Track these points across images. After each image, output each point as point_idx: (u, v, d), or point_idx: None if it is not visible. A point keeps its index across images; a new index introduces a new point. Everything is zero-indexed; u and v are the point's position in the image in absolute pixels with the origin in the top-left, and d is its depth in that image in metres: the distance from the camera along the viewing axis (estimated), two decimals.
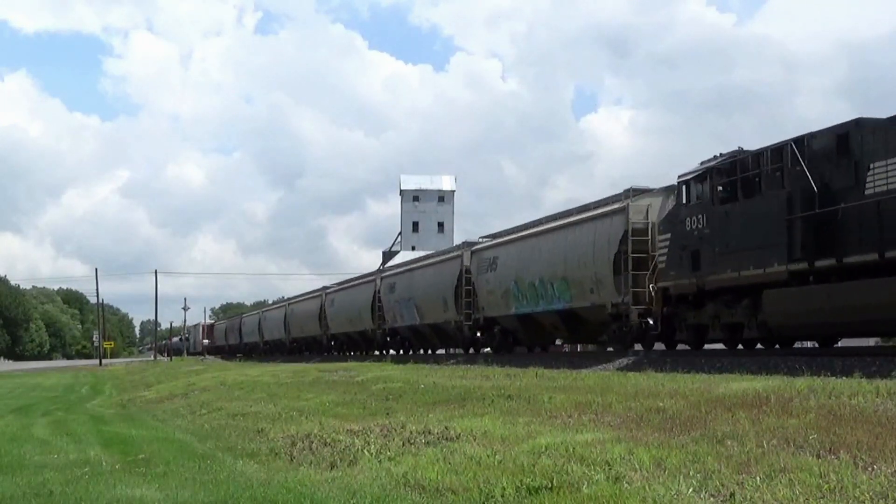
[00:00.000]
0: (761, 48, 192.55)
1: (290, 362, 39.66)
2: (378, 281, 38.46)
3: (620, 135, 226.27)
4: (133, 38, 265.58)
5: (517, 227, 27.67)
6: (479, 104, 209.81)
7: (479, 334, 28.75)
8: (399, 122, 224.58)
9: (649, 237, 19.66)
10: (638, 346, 20.72)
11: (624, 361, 18.40)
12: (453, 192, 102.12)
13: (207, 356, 77.26)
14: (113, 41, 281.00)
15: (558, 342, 29.34)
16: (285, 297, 58.10)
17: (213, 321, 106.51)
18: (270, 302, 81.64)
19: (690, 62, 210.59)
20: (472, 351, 30.18)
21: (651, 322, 19.48)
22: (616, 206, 21.03)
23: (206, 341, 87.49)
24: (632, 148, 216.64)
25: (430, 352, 36.26)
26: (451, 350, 34.64)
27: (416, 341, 36.30)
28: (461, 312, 28.84)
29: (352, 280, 46.68)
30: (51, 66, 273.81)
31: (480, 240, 29.41)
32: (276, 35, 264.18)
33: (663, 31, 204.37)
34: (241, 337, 72.36)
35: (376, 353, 39.88)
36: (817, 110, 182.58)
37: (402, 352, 37.29)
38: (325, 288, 48.91)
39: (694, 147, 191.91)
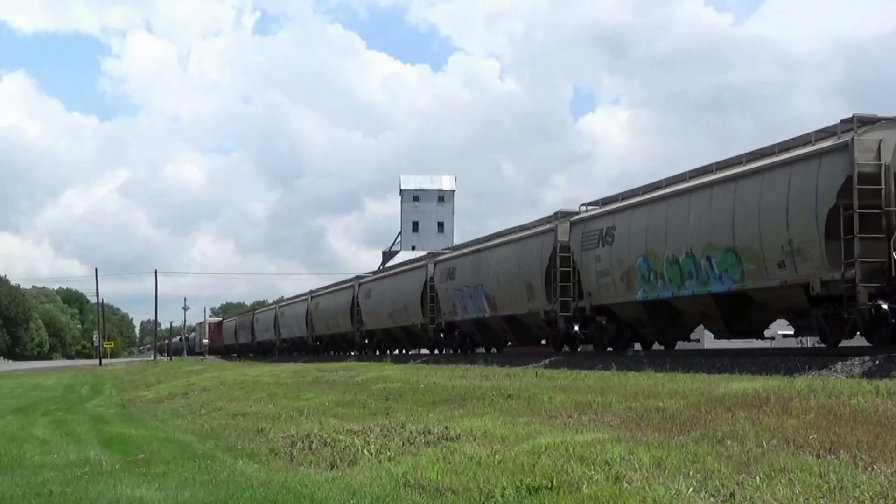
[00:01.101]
0: (759, 48, 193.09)
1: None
2: (431, 267, 32.40)
3: (618, 135, 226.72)
4: (131, 38, 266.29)
5: (640, 187, 21.09)
6: (477, 104, 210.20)
7: (576, 328, 22.87)
8: (397, 123, 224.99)
9: (882, 185, 14.40)
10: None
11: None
12: (453, 192, 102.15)
13: (207, 356, 77.11)
14: (111, 41, 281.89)
15: (694, 336, 22.01)
16: (310, 290, 52.21)
17: (219, 319, 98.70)
18: (270, 301, 79.82)
19: (688, 62, 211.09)
20: (565, 349, 24.05)
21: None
22: (828, 143, 15.39)
23: (205, 341, 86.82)
24: (630, 148, 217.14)
25: (494, 350, 30.32)
26: (527, 347, 28.60)
27: (484, 337, 30.15)
28: (555, 300, 23.07)
29: (394, 268, 41.07)
30: (49, 67, 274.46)
31: (583, 208, 23.43)
32: (274, 35, 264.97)
33: (661, 32, 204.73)
34: (254, 335, 67.55)
35: (426, 352, 35.21)
36: (815, 110, 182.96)
37: (461, 350, 31.44)
38: (358, 278, 43.39)
39: (692, 147, 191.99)
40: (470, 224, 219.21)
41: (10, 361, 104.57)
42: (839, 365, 12.80)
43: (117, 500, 7.43)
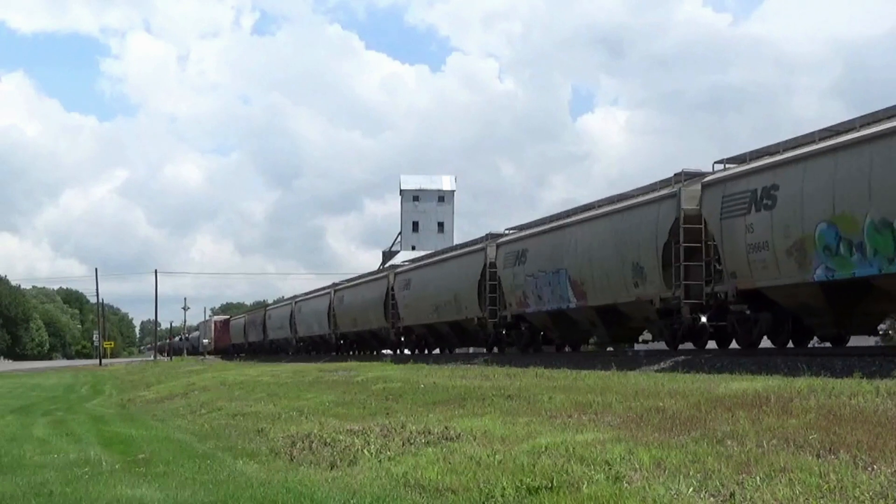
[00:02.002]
0: (757, 48, 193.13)
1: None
2: (491, 250, 27.37)
3: (617, 135, 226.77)
4: (130, 38, 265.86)
5: (817, 132, 16.10)
6: (475, 104, 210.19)
7: (704, 319, 18.33)
8: (396, 123, 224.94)
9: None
10: None
11: None
12: (453, 191, 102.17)
13: (208, 356, 77.06)
14: (110, 42, 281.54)
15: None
16: (333, 283, 47.65)
17: (226, 316, 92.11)
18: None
19: (686, 62, 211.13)
20: (685, 345, 19.83)
21: None
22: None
23: (205, 341, 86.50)
24: (628, 148, 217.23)
25: (568, 348, 26.06)
26: (624, 343, 24.82)
27: (562, 332, 25.20)
28: (675, 285, 18.35)
29: (439, 254, 35.40)
30: (48, 67, 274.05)
31: (718, 166, 18.35)
32: (273, 36, 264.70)
33: (659, 32, 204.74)
34: (266, 333, 62.47)
35: (480, 350, 31.25)
36: (812, 111, 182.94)
37: (529, 348, 26.66)
38: (393, 267, 39.86)
39: (690, 147, 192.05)
40: (469, 224, 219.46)
41: (10, 361, 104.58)
42: (839, 365, 12.80)
43: (117, 500, 7.43)
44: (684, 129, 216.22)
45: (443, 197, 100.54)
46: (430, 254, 36.15)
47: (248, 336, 69.63)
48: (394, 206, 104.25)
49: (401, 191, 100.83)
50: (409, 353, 35.97)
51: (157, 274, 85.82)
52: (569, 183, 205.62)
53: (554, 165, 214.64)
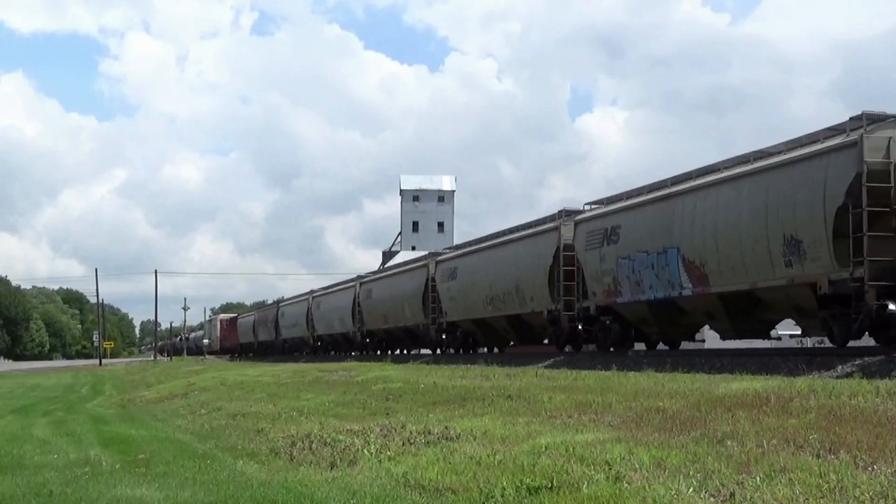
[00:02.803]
0: (755, 48, 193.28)
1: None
2: (567, 229, 22.97)
3: (616, 135, 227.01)
4: (129, 38, 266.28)
5: None
6: (474, 105, 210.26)
7: (892, 306, 14.16)
8: (395, 123, 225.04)
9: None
10: None
11: None
12: (453, 192, 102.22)
13: (207, 356, 76.96)
14: (109, 42, 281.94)
15: None
16: (358, 276, 43.41)
17: (233, 315, 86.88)
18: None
19: (685, 62, 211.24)
20: (856, 342, 15.47)
21: None
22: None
23: (206, 341, 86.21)
24: (627, 148, 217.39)
25: (664, 345, 22.07)
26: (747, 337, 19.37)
27: (663, 325, 20.65)
28: (853, 262, 14.31)
29: (494, 237, 28.91)
30: (47, 67, 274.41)
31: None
32: (272, 36, 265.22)
33: (658, 32, 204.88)
34: (279, 332, 57.65)
35: (556, 350, 24.24)
36: (811, 111, 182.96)
37: (616, 346, 21.81)
38: (433, 255, 33.87)
39: (690, 147, 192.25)
40: (468, 224, 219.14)
41: (10, 361, 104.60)
42: (839, 365, 12.79)
43: (117, 500, 7.43)
44: (683, 129, 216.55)
45: (443, 197, 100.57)
46: (482, 238, 30.20)
47: (258, 335, 65.03)
48: (393, 206, 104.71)
49: (401, 191, 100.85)
50: (454, 352, 31.23)
51: (157, 274, 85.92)
52: (568, 183, 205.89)
53: (553, 165, 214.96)
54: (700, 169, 18.97)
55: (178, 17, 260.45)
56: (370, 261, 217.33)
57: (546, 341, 26.44)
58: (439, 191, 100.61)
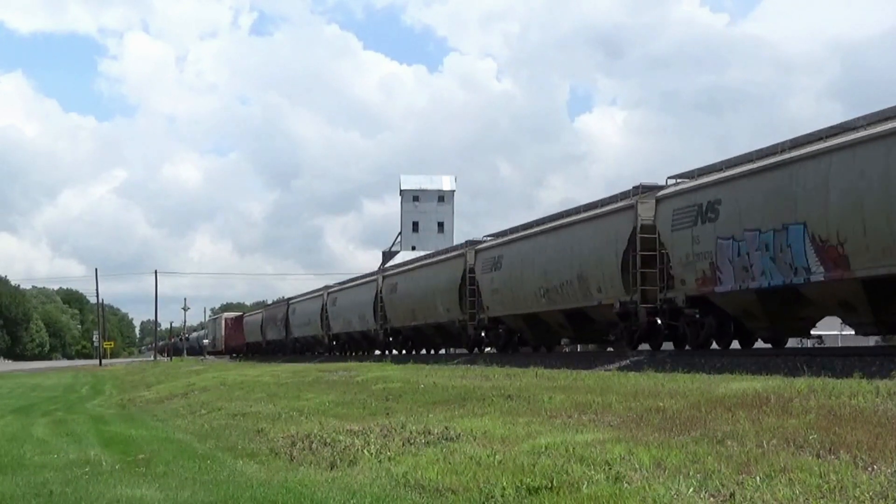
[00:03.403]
0: (754, 49, 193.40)
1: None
2: (645, 206, 19.65)
3: (615, 135, 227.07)
4: (128, 39, 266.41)
5: None
6: (473, 105, 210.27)
7: None
8: (394, 123, 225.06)
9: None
10: None
11: None
12: (453, 192, 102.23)
13: (207, 356, 76.93)
14: (108, 42, 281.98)
15: None
16: (381, 268, 41.02)
17: (239, 313, 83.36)
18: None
19: (684, 63, 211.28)
20: None
21: None
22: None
23: (205, 341, 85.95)
24: (626, 148, 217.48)
25: (761, 342, 19.08)
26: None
27: (771, 319, 17.47)
28: None
29: (542, 222, 25.42)
30: (46, 67, 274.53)
31: None
32: (271, 36, 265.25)
33: (656, 32, 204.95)
34: (289, 330, 54.67)
35: (625, 349, 20.81)
36: (809, 111, 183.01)
37: (712, 343, 19.04)
38: (472, 244, 29.76)
39: (689, 147, 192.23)
40: (467, 224, 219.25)
41: (10, 361, 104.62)
42: (839, 365, 12.80)
43: (117, 500, 7.43)
44: (682, 129, 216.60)
45: (443, 197, 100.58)
46: (532, 222, 26.53)
47: (267, 334, 61.74)
48: (392, 206, 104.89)
49: (401, 191, 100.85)
50: (496, 351, 28.60)
51: (157, 274, 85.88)
52: (567, 183, 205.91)
53: (552, 166, 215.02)
54: (829, 128, 15.77)
55: (177, 17, 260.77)
56: (370, 261, 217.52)
57: (612, 338, 22.87)
58: (439, 191, 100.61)
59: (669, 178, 19.80)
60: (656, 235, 19.20)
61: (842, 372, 11.96)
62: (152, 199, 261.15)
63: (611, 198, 21.95)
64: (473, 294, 28.53)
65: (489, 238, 29.48)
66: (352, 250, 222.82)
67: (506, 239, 27.28)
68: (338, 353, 43.96)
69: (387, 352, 37.76)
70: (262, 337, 63.14)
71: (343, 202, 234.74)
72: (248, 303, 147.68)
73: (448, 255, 32.36)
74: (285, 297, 58.91)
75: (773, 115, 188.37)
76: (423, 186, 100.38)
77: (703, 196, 17.81)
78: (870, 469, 5.99)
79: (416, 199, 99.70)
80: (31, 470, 9.53)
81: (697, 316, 18.55)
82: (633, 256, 19.79)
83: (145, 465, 9.53)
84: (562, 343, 28.47)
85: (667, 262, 18.94)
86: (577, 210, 23.53)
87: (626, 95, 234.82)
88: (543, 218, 25.93)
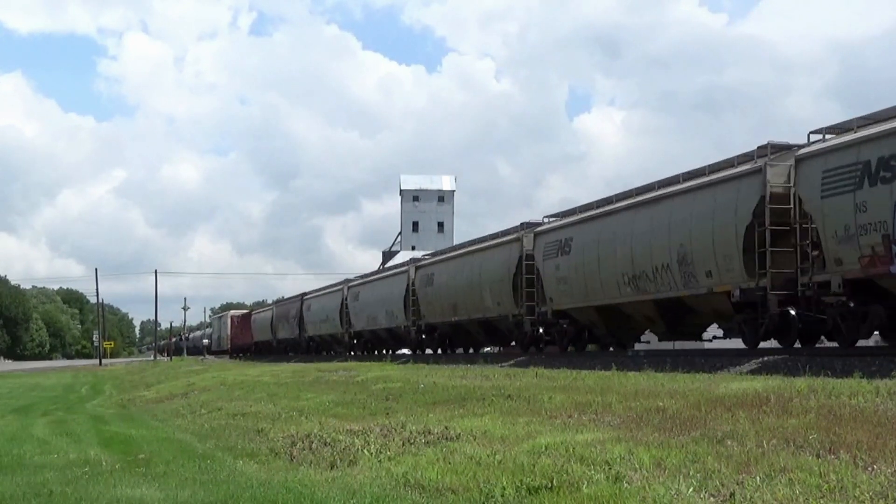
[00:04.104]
0: (753, 49, 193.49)
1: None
2: (774, 174, 16.11)
3: (614, 135, 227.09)
4: (127, 39, 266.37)
5: None
6: (472, 105, 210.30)
7: None
8: (393, 123, 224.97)
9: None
10: None
11: None
12: (453, 192, 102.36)
13: (207, 356, 76.92)
14: (107, 42, 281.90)
15: None
16: (413, 258, 36.59)
17: (246, 311, 78.62)
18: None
19: (682, 62, 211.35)
20: None
21: None
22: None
23: (206, 341, 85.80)
24: (625, 148, 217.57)
25: None
26: None
27: None
28: None
29: (624, 196, 21.54)
30: (45, 67, 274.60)
31: None
32: (270, 36, 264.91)
33: (655, 32, 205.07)
34: (304, 328, 50.58)
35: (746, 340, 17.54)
36: (808, 111, 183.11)
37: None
38: (529, 226, 25.51)
39: (687, 147, 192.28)
40: (467, 225, 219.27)
41: (10, 361, 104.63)
42: (839, 365, 12.79)
43: (117, 500, 7.42)
44: (681, 129, 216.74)
45: (443, 197, 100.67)
46: (602, 200, 22.64)
47: (278, 332, 57.83)
48: (391, 206, 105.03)
49: (401, 191, 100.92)
50: (559, 349, 24.63)
51: (157, 274, 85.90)
52: (566, 183, 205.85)
53: (551, 166, 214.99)
54: None
55: (177, 17, 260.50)
56: (369, 261, 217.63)
57: (721, 334, 19.85)
58: (439, 191, 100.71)
59: (813, 132, 16.01)
60: (794, 205, 15.69)
61: (842, 372, 11.96)
62: (151, 199, 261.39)
63: (723, 162, 18.23)
64: (532, 284, 24.44)
65: (548, 219, 25.35)
66: (351, 250, 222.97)
67: (576, 218, 23.12)
68: (360, 353, 41.05)
69: (418, 351, 34.47)
70: (272, 335, 59.48)
71: (342, 202, 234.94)
72: (248, 302, 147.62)
73: (500, 239, 27.63)
74: (299, 293, 53.92)
75: (772, 115, 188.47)
76: (423, 186, 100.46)
77: (874, 150, 13.88)
78: (870, 469, 5.99)
79: (416, 199, 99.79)
80: (31, 470, 9.52)
81: (851, 305, 15.06)
82: (759, 232, 16.12)
83: (145, 465, 9.52)
84: (641, 340, 24.28)
85: (812, 237, 15.37)
86: (672, 180, 19.66)
87: (624, 95, 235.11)
88: (622, 193, 21.74)
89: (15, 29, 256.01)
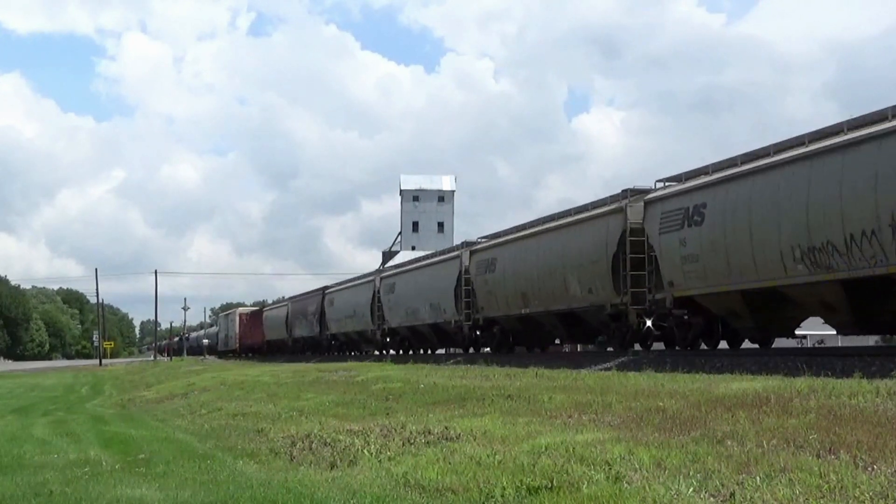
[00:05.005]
0: (751, 49, 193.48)
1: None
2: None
3: (612, 135, 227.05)
4: (126, 39, 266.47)
5: None
6: (471, 105, 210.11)
7: None
8: (392, 123, 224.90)
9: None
10: None
11: None
12: (453, 192, 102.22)
13: (207, 356, 76.91)
14: (106, 42, 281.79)
15: None
16: (465, 241, 30.60)
17: (257, 307, 72.40)
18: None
19: (681, 63, 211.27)
20: None
21: None
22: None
23: (205, 341, 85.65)
24: (624, 148, 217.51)
25: None
26: None
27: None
28: None
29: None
30: (44, 68, 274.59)
31: None
32: (269, 37, 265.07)
33: (653, 32, 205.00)
34: (325, 325, 46.27)
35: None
36: (806, 111, 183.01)
37: None
38: (635, 193, 20.78)
39: (686, 147, 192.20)
40: (466, 225, 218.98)
41: (11, 361, 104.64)
42: (839, 365, 12.79)
43: (117, 500, 7.42)
44: (680, 129, 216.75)
45: (443, 197, 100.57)
46: (731, 159, 18.38)
47: (294, 330, 53.40)
48: (390, 206, 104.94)
49: (401, 191, 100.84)
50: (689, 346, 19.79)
51: (157, 274, 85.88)
52: (565, 183, 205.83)
53: (550, 166, 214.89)
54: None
55: (175, 18, 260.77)
56: (368, 261, 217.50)
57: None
58: (439, 191, 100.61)
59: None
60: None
61: (842, 372, 11.96)
62: (151, 199, 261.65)
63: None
64: (641, 265, 20.18)
65: (669, 183, 20.30)
66: (350, 250, 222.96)
67: (713, 178, 18.27)
68: (396, 353, 36.81)
69: (472, 349, 30.41)
70: (287, 334, 54.87)
71: (341, 202, 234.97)
72: (247, 302, 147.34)
73: (594, 211, 22.54)
74: (320, 287, 49.64)
75: (770, 115, 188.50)
76: (423, 186, 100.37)
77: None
78: (870, 469, 5.98)
79: (416, 199, 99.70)
80: (31, 470, 9.52)
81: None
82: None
83: (145, 465, 9.52)
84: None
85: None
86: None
87: (623, 96, 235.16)
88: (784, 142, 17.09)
89: (14, 29, 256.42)
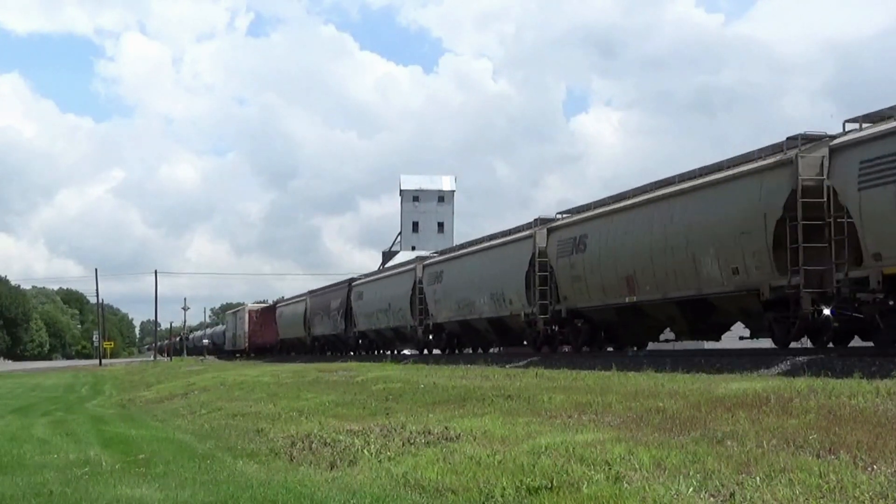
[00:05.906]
0: (749, 49, 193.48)
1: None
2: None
3: (611, 135, 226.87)
4: (125, 39, 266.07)
5: None
6: (469, 105, 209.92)
7: None
8: (391, 123, 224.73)
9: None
10: None
11: None
12: (453, 192, 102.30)
13: (207, 356, 76.92)
14: (105, 43, 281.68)
15: None
16: (541, 217, 25.20)
17: (269, 303, 66.63)
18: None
19: (678, 63, 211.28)
20: None
21: None
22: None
23: (205, 341, 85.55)
24: (623, 148, 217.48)
25: None
26: None
27: None
28: None
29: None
30: (43, 68, 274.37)
31: None
32: (268, 37, 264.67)
33: (651, 32, 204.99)
34: (353, 322, 41.32)
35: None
36: (804, 111, 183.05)
37: None
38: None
39: (685, 148, 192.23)
40: (465, 225, 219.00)
41: (10, 362, 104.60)
42: (839, 365, 12.79)
43: (117, 500, 7.43)
44: (678, 129, 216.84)
45: (443, 197, 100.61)
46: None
47: (313, 328, 48.19)
48: (389, 206, 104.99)
49: (401, 191, 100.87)
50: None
51: (157, 274, 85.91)
52: (564, 183, 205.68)
53: (549, 166, 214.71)
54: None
55: (174, 18, 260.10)
56: (368, 261, 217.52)
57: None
58: (439, 191, 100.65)
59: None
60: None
61: (842, 372, 11.96)
62: (150, 199, 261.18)
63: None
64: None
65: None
66: (349, 250, 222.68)
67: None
68: (443, 352, 32.09)
69: (544, 347, 25.24)
70: (305, 332, 49.65)
71: (340, 202, 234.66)
72: (247, 302, 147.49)
73: (720, 180, 17.97)
74: (346, 279, 45.06)
75: (768, 116, 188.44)
76: (423, 186, 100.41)
77: None
78: (870, 469, 5.99)
79: (416, 199, 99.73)
80: (31, 470, 9.52)
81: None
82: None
83: (145, 465, 9.52)
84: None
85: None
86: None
87: (621, 96, 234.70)
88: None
89: (12, 29, 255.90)
